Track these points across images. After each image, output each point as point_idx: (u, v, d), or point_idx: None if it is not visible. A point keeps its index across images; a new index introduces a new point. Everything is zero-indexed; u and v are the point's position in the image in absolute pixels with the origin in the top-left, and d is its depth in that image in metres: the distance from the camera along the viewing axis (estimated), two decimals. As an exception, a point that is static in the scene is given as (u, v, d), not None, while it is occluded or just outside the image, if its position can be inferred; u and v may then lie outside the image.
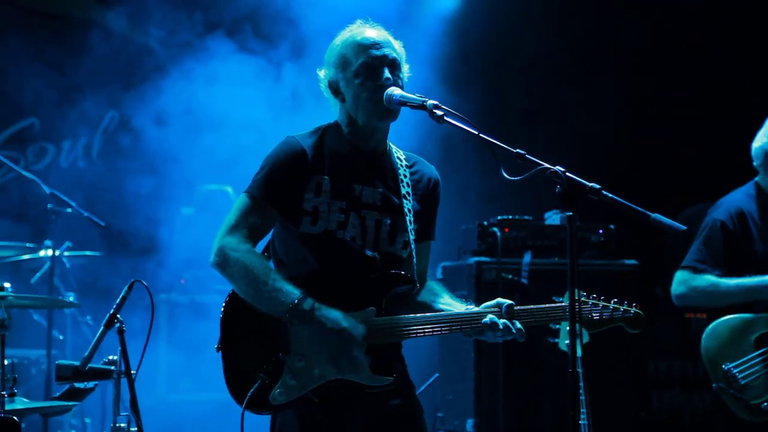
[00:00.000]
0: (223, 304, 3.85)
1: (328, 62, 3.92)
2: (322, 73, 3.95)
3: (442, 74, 7.69)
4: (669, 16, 8.75)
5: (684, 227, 3.46)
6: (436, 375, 6.89)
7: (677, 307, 5.41)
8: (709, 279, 5.19)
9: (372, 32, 3.89)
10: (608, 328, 3.96)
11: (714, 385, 5.10)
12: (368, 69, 3.83)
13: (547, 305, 3.91)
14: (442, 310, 3.90)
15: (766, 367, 5.04)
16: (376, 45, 3.85)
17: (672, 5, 8.65)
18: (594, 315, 3.94)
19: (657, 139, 8.83)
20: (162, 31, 7.77)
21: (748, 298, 5.12)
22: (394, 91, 3.79)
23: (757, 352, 5.08)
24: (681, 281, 5.31)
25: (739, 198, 5.34)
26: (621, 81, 8.74)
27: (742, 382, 5.05)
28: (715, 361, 5.13)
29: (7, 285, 4.69)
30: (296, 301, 3.68)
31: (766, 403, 5.00)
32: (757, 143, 5.35)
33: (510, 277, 6.53)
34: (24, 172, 7.02)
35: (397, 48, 3.91)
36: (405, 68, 3.93)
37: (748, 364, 5.08)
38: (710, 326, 5.20)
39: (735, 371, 5.08)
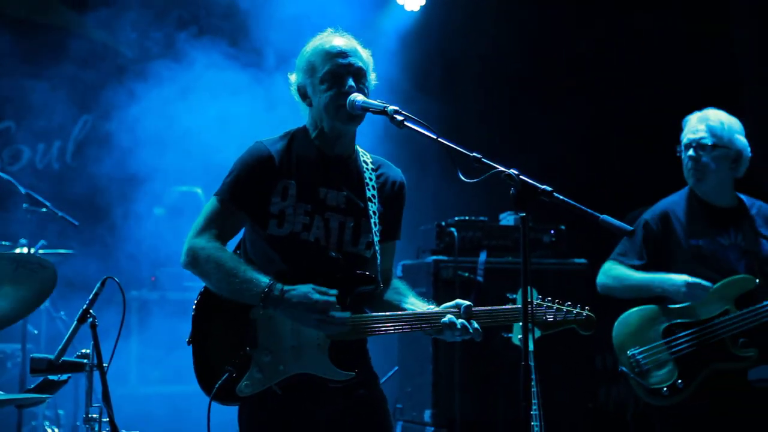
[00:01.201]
0: (195, 301, 3.85)
1: (298, 68, 3.93)
2: (293, 78, 3.95)
3: (407, 79, 7.70)
4: (620, 29, 8.83)
5: (631, 228, 3.49)
6: (396, 368, 6.90)
7: (623, 303, 5.45)
8: (623, 270, 5.28)
9: (340, 41, 3.89)
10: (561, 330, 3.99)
11: (619, 369, 5.19)
12: (333, 76, 3.83)
13: (503, 307, 3.93)
14: (406, 310, 3.90)
15: (671, 355, 5.10)
16: (342, 54, 3.85)
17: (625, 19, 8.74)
18: (548, 317, 3.95)
19: (607, 147, 8.88)
20: (135, 37, 7.72)
21: (652, 292, 5.19)
22: (357, 97, 3.78)
23: (663, 341, 5.14)
24: (603, 271, 5.41)
25: (670, 201, 5.41)
26: (576, 90, 8.80)
27: (645, 368, 5.12)
28: (622, 347, 5.22)
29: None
30: (267, 288, 3.68)
31: (666, 389, 5.05)
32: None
33: (466, 275, 6.55)
34: (0, 174, 6.95)
35: (364, 57, 3.91)
36: (372, 76, 3.94)
37: (652, 351, 5.15)
38: (623, 315, 5.28)
39: (639, 357, 5.15)
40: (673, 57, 8.74)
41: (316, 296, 3.68)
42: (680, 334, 5.11)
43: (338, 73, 3.83)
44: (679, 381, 5.04)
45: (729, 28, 8.73)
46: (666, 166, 6.17)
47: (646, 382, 5.09)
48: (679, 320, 5.14)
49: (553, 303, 3.97)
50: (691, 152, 5.27)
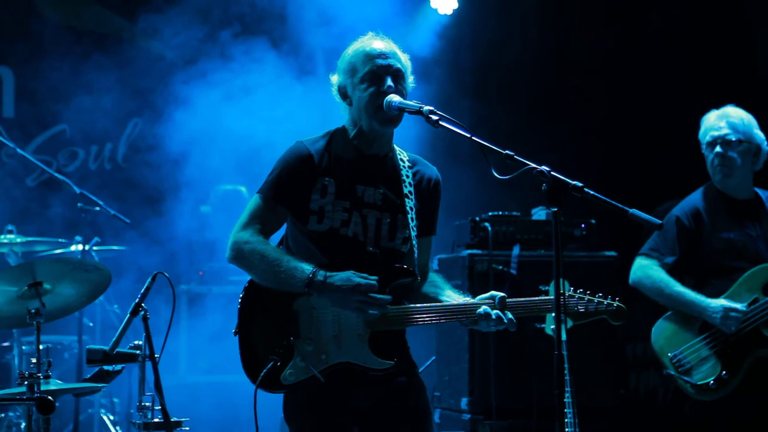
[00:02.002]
0: (241, 294, 3.87)
1: (340, 69, 3.95)
2: (334, 79, 3.97)
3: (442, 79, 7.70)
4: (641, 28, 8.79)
5: (659, 221, 3.48)
6: (433, 358, 6.90)
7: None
8: (663, 275, 5.21)
9: (380, 44, 3.90)
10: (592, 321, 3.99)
11: (664, 372, 5.17)
12: (373, 76, 3.84)
13: (536, 298, 3.94)
14: (443, 302, 3.91)
15: (710, 350, 5.07)
16: (382, 55, 3.86)
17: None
18: (579, 308, 3.97)
19: (636, 143, 8.84)
20: (181, 42, 7.76)
21: (685, 310, 5.15)
22: (394, 98, 3.80)
23: (701, 337, 5.11)
24: (640, 267, 5.34)
25: (696, 197, 5.37)
26: (605, 92, 8.76)
27: (688, 366, 5.10)
28: (662, 350, 5.20)
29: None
30: (311, 274, 3.70)
31: (713, 382, 5.02)
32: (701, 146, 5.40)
33: (500, 268, 6.53)
34: (56, 174, 7.03)
35: (402, 60, 3.93)
36: (410, 79, 3.95)
37: (692, 349, 5.12)
38: (657, 323, 5.28)
39: (681, 356, 5.13)
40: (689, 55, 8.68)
41: (358, 279, 3.71)
42: (716, 328, 5.08)
43: (377, 73, 3.84)
44: (724, 372, 5.01)
45: (749, 26, 8.68)
46: (686, 162, 6.18)
47: (693, 380, 5.06)
48: None
49: (585, 294, 3.97)
50: (718, 149, 5.23)
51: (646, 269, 5.29)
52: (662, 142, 8.74)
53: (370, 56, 3.87)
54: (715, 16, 8.66)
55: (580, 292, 3.97)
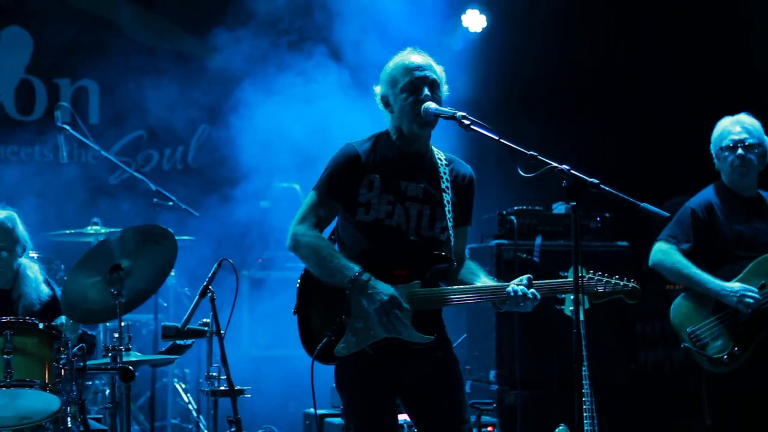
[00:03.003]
0: (299, 278, 3.91)
1: (382, 80, 3.95)
2: (377, 89, 3.98)
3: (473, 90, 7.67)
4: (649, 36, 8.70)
5: (668, 214, 3.45)
6: (465, 335, 6.89)
7: (658, 280, 5.39)
8: (681, 258, 5.15)
9: (417, 58, 3.91)
10: (609, 300, 3.97)
11: (682, 345, 5.11)
12: (411, 87, 3.85)
13: (559, 280, 3.94)
14: (476, 284, 3.92)
15: (724, 327, 5.03)
16: (419, 68, 3.87)
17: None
18: (599, 288, 3.95)
19: (637, 143, 8.75)
20: (244, 54, 7.80)
21: (704, 291, 5.10)
22: (430, 105, 3.81)
23: (715, 316, 5.06)
24: (659, 250, 5.24)
25: (708, 192, 5.31)
26: (607, 93, 8.69)
27: (704, 341, 5.05)
28: (680, 326, 5.13)
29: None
30: (356, 274, 3.71)
31: (726, 357, 4.98)
32: (712, 149, 5.34)
33: (524, 256, 6.51)
34: (135, 173, 7.10)
35: (437, 71, 3.93)
36: (444, 88, 3.94)
37: (708, 326, 5.06)
38: (675, 301, 5.21)
39: (698, 332, 5.07)
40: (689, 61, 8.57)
41: (393, 291, 3.72)
42: (728, 309, 5.04)
43: (415, 84, 3.85)
44: (736, 348, 4.98)
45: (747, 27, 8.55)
46: (687, 162, 6.10)
47: (708, 354, 5.03)
48: None
49: (603, 276, 3.96)
50: (740, 151, 5.18)
51: (665, 253, 5.21)
52: (663, 142, 8.66)
53: (409, 69, 3.88)
54: (715, 18, 8.52)
55: (599, 275, 3.95)
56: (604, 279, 3.95)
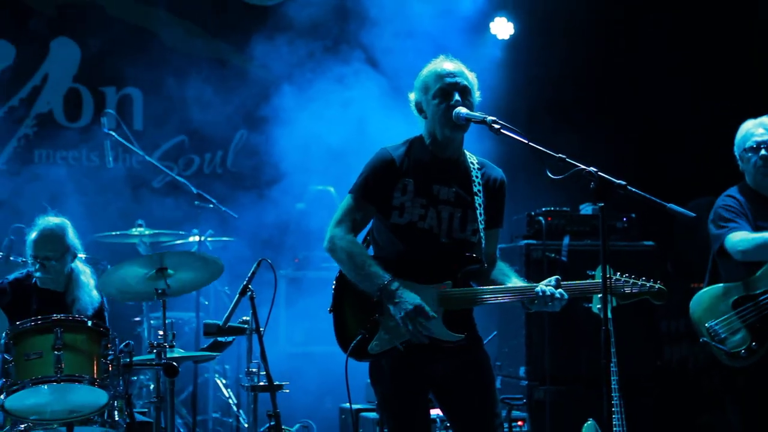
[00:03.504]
0: (335, 279, 3.92)
1: (416, 87, 3.96)
2: (411, 96, 3.98)
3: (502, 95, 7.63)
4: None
5: (693, 214, 3.42)
6: (495, 333, 6.86)
7: (684, 278, 5.33)
8: (757, 234, 4.94)
9: (449, 65, 3.91)
10: (635, 300, 3.94)
11: (701, 339, 5.06)
12: (443, 93, 3.85)
13: (587, 281, 3.92)
14: (506, 285, 3.91)
15: (743, 323, 4.97)
16: (450, 74, 3.87)
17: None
18: (626, 289, 3.91)
19: (637, 143, 8.66)
20: (281, 60, 7.83)
21: None
22: (461, 110, 3.81)
23: (734, 311, 5.00)
24: (739, 240, 5.01)
25: (734, 191, 5.26)
26: (607, 93, 8.61)
27: (722, 336, 4.99)
28: (700, 321, 5.08)
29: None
30: (385, 282, 3.72)
31: (744, 351, 4.94)
32: (736, 150, 5.28)
33: (552, 255, 6.47)
34: (177, 177, 7.15)
35: (469, 78, 3.92)
36: (476, 93, 3.94)
37: (726, 322, 5.01)
38: (695, 296, 5.15)
39: (716, 328, 5.01)
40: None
41: (418, 301, 3.70)
42: (747, 305, 4.98)
43: (447, 90, 3.85)
44: (754, 343, 4.93)
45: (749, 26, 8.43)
46: (687, 163, 5.97)
47: (726, 348, 4.99)
48: (744, 293, 5.01)
49: (630, 278, 3.92)
50: (762, 152, 5.12)
51: (743, 238, 5.00)
52: (663, 142, 8.56)
53: (440, 75, 3.88)
54: (716, 17, 8.41)
55: (626, 276, 3.92)
56: (631, 280, 3.92)
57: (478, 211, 3.91)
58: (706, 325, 5.06)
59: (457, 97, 3.83)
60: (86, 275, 5.21)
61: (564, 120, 8.44)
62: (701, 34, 8.41)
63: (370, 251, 3.97)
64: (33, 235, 5.09)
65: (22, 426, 4.31)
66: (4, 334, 4.38)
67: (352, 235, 3.87)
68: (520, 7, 8.56)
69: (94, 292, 5.17)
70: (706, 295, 5.15)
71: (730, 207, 5.15)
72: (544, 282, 3.80)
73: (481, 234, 3.92)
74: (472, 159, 4.02)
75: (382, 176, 3.88)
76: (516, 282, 3.94)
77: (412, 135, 4.00)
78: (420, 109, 3.94)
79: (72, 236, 5.17)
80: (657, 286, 3.92)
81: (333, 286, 3.92)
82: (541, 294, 3.74)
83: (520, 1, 8.57)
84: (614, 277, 3.90)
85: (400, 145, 3.96)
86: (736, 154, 5.27)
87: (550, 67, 8.51)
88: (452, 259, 3.85)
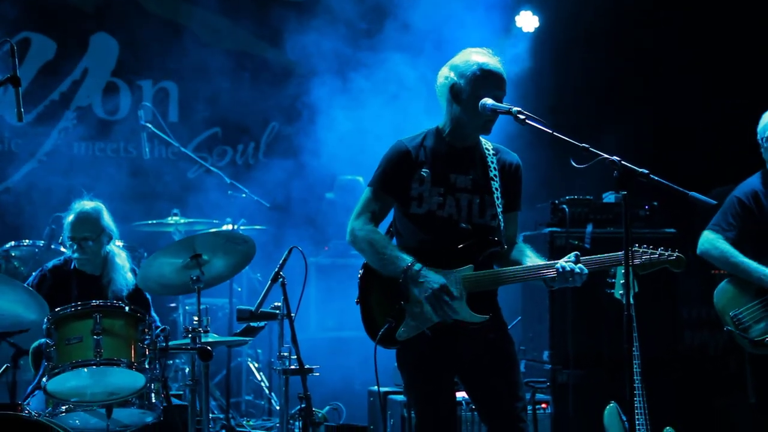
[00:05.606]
0: (360, 270, 3.91)
1: (457, 72, 3.85)
2: (451, 75, 3.86)
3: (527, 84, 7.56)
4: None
5: (715, 202, 3.37)
6: (519, 318, 6.83)
7: (704, 265, 5.28)
8: (727, 246, 5.03)
9: (494, 60, 3.87)
10: (657, 277, 3.87)
11: (725, 328, 5.02)
12: (487, 86, 3.81)
13: (605, 254, 3.84)
14: (526, 264, 3.87)
15: (765, 312, 4.92)
16: (497, 72, 3.85)
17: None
18: (644, 258, 3.83)
19: (683, 142, 8.55)
20: (311, 55, 7.82)
21: (747, 278, 4.98)
22: (487, 101, 3.77)
23: (757, 300, 4.96)
24: (707, 239, 5.13)
25: (754, 182, 5.19)
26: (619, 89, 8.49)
27: (746, 325, 4.95)
28: (723, 310, 5.04)
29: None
30: (408, 263, 3.70)
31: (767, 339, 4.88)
32: (759, 138, 5.20)
33: (576, 243, 6.41)
34: (211, 168, 7.17)
35: (503, 72, 3.88)
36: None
37: (750, 310, 4.96)
38: (719, 285, 5.11)
39: (740, 316, 4.97)
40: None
41: (443, 280, 3.69)
42: None
43: (493, 85, 3.81)
44: None
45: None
46: (698, 160, 5.86)
47: (750, 336, 4.94)
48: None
49: (648, 249, 3.86)
50: None
51: (712, 241, 5.11)
52: (675, 139, 8.44)
53: (488, 70, 3.83)
54: (728, 14, 8.26)
55: (644, 247, 3.86)
56: (649, 250, 3.85)
57: (495, 196, 3.89)
58: (730, 314, 5.01)
59: (500, 93, 3.80)
60: (122, 258, 5.21)
61: (582, 114, 8.36)
62: (713, 31, 8.28)
63: (393, 242, 3.95)
64: (70, 218, 5.11)
65: (64, 408, 4.34)
66: (45, 320, 4.40)
67: (372, 225, 3.86)
68: (544, 2, 8.48)
69: (129, 275, 5.17)
70: (729, 284, 5.11)
71: (728, 211, 5.10)
72: (564, 258, 3.76)
73: (500, 218, 3.90)
74: (487, 145, 3.99)
75: (399, 168, 3.87)
76: (536, 260, 3.90)
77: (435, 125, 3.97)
78: (455, 95, 3.87)
79: (107, 218, 5.17)
80: (675, 254, 3.86)
81: (359, 278, 3.92)
82: (561, 270, 3.71)
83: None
84: (633, 248, 3.83)
85: (416, 137, 3.95)
86: (759, 141, 5.19)
87: (571, 61, 8.43)
88: (473, 244, 3.83)
